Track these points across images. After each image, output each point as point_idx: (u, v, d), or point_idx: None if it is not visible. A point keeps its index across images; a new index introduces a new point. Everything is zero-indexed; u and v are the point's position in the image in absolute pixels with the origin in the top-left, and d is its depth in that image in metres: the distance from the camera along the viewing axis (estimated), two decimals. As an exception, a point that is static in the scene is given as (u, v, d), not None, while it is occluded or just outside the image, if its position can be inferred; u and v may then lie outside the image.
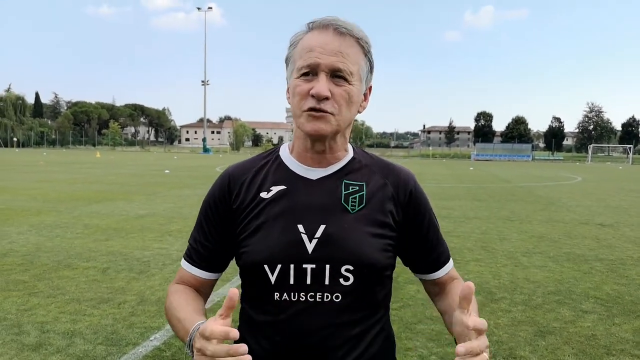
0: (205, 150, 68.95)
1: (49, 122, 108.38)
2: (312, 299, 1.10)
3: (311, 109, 1.08)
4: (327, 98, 1.07)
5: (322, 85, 1.06)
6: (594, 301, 4.84)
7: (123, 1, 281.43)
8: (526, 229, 8.96)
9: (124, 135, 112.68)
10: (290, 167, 1.19)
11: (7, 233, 7.52)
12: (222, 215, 1.19)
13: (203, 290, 1.25)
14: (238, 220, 1.17)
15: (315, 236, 1.11)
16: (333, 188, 1.16)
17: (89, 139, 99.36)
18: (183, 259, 1.26)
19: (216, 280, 1.27)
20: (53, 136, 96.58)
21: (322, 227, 1.12)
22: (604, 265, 6.29)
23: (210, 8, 73.69)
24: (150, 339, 3.73)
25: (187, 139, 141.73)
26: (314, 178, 1.17)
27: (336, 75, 1.08)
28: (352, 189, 1.17)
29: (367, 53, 1.13)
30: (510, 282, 5.42)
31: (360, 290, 1.12)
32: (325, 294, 1.10)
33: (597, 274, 5.88)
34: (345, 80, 1.09)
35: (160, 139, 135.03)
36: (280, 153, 1.23)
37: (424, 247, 1.24)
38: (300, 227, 1.12)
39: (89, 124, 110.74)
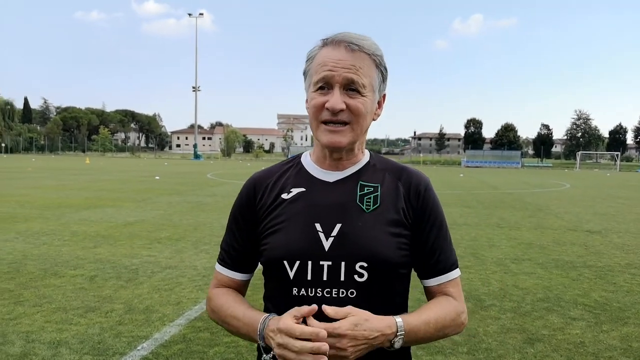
0: (196, 156, 68.70)
1: (38, 127, 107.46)
2: (329, 295, 1.16)
3: (327, 122, 1.17)
4: (341, 110, 1.15)
5: (336, 98, 1.15)
6: (582, 308, 4.87)
7: (113, 7, 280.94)
8: (515, 236, 9.01)
9: (114, 141, 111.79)
10: (310, 171, 1.28)
11: (-7, 240, 7.41)
12: (249, 217, 1.28)
13: (240, 290, 1.34)
14: (261, 219, 1.26)
15: (332, 234, 1.18)
16: (349, 189, 1.23)
17: (79, 145, 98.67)
18: (217, 263, 1.35)
19: (250, 279, 1.36)
20: (42, 142, 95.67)
21: (339, 225, 1.19)
22: (592, 272, 6.33)
23: (201, 14, 73.70)
24: (138, 348, 3.69)
25: (178, 145, 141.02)
26: (332, 180, 1.25)
27: (350, 88, 1.16)
28: (367, 190, 1.23)
29: (379, 65, 1.21)
30: (499, 289, 5.44)
31: (374, 286, 1.17)
32: (341, 290, 1.16)
33: (585, 280, 5.92)
34: (359, 92, 1.16)
35: (150, 145, 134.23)
36: (302, 159, 1.33)
37: (423, 250, 1.25)
38: (318, 226, 1.19)
39: (78, 130, 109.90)
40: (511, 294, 5.27)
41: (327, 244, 1.17)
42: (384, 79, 1.23)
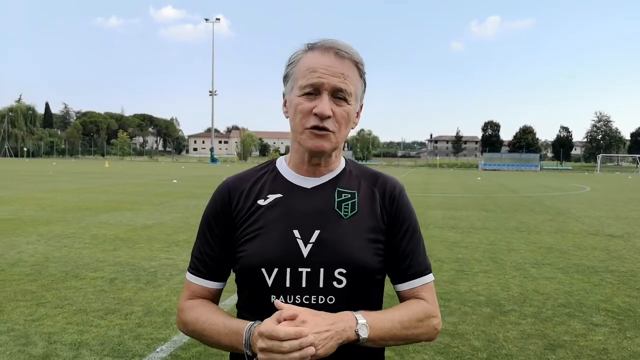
0: (213, 160, 69.30)
1: (59, 132, 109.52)
2: (307, 302, 1.16)
3: (314, 127, 1.16)
4: (329, 117, 1.15)
5: (325, 104, 1.14)
6: (604, 314, 4.77)
7: (131, 13, 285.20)
8: (535, 240, 8.88)
9: (132, 145, 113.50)
10: (287, 177, 1.26)
11: (16, 243, 7.56)
12: (224, 224, 1.25)
13: (214, 300, 1.30)
14: (237, 227, 1.23)
15: (310, 241, 1.17)
16: (327, 195, 1.23)
17: (98, 149, 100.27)
18: (189, 272, 1.30)
19: (223, 288, 1.32)
20: (62, 146, 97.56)
21: (317, 232, 1.18)
22: (614, 277, 6.21)
23: (217, 19, 74.57)
24: (157, 350, 3.72)
25: (195, 149, 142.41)
26: (309, 187, 1.24)
27: (337, 95, 1.16)
28: (345, 196, 1.24)
29: (362, 75, 1.22)
30: (519, 294, 5.36)
31: (353, 293, 1.17)
32: (320, 297, 1.16)
33: (607, 286, 5.81)
34: (345, 100, 1.17)
35: (168, 149, 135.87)
36: (277, 165, 1.31)
37: (396, 255, 1.25)
38: (296, 233, 1.18)
39: (98, 134, 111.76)
40: (531, 299, 5.19)
41: (305, 251, 1.16)
42: (364, 89, 1.25)
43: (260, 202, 1.23)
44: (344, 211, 1.21)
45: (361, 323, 1.11)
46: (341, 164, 1.30)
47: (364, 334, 1.10)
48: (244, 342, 1.10)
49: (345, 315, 1.11)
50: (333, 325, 1.07)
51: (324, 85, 1.14)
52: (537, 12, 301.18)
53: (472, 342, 3.99)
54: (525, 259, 7.24)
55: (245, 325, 1.12)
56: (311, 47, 1.19)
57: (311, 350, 1.01)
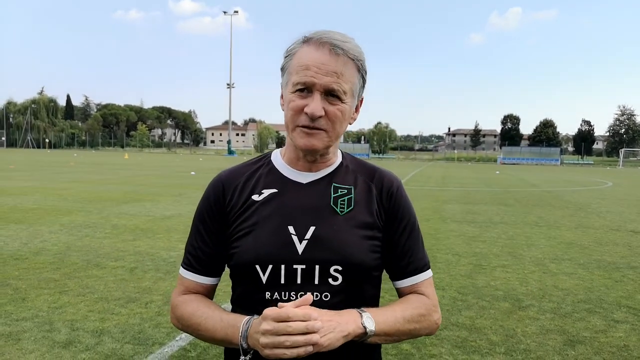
0: (230, 152, 69.65)
1: (80, 124, 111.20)
2: None
3: (305, 126, 1.13)
4: (320, 116, 1.11)
5: (316, 104, 1.11)
6: (626, 310, 4.69)
7: (151, 6, 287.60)
8: (555, 235, 8.76)
9: (151, 137, 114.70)
10: (282, 172, 1.24)
11: (39, 232, 7.73)
12: (218, 219, 1.23)
13: (209, 295, 1.29)
14: (231, 222, 1.21)
15: (305, 237, 1.16)
16: (323, 191, 1.21)
17: (118, 141, 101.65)
18: (182, 268, 1.28)
19: (217, 283, 1.31)
20: (83, 137, 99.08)
21: (312, 228, 1.16)
22: (636, 274, 6.10)
23: (236, 12, 74.48)
24: (177, 339, 3.78)
25: (212, 141, 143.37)
26: (305, 182, 1.22)
27: (330, 94, 1.12)
28: (341, 192, 1.21)
29: (360, 69, 1.16)
30: (538, 290, 5.31)
31: (349, 290, 1.16)
32: (315, 293, 1.14)
33: (629, 282, 5.71)
34: (339, 99, 1.13)
35: (186, 141, 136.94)
36: (272, 159, 1.28)
37: (395, 251, 1.23)
38: (291, 229, 1.16)
39: (117, 126, 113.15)
40: (550, 294, 5.13)
41: (300, 247, 1.15)
42: (363, 83, 1.20)
43: (255, 197, 1.21)
44: (340, 207, 1.19)
45: (366, 316, 1.10)
46: (338, 159, 1.27)
47: (370, 326, 1.09)
48: (240, 334, 1.09)
49: (348, 311, 1.11)
50: (336, 316, 1.07)
51: (315, 85, 1.10)
52: (560, 3, 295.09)
53: (490, 336, 3.96)
54: (545, 254, 7.15)
55: (242, 318, 1.11)
56: (307, 40, 1.14)
57: (316, 337, 0.99)
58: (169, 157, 56.80)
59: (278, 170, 1.24)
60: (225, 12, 75.35)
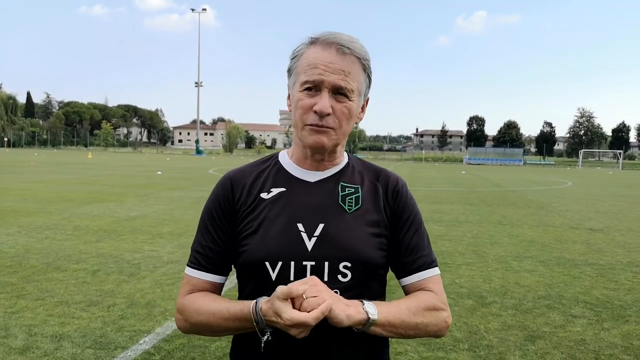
0: (198, 152, 68.74)
1: (41, 122, 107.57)
2: None
3: (313, 125, 1.16)
4: (328, 114, 1.14)
5: (325, 102, 1.14)
6: (583, 306, 4.87)
7: (116, 2, 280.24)
8: (517, 233, 9.01)
9: (116, 136, 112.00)
10: (290, 171, 1.26)
11: (-5, 234, 7.43)
12: (227, 217, 1.24)
13: (217, 294, 1.27)
14: (239, 220, 1.22)
15: (315, 234, 1.17)
16: (330, 189, 1.23)
17: (81, 140, 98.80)
18: (189, 267, 1.27)
19: (224, 284, 1.30)
20: (44, 136, 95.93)
21: (321, 225, 1.18)
22: (593, 270, 6.33)
23: (204, 9, 73.76)
24: (140, 342, 3.70)
25: (180, 141, 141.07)
26: (312, 181, 1.24)
27: (338, 92, 1.15)
28: (348, 190, 1.24)
29: (366, 69, 1.20)
30: (501, 287, 5.44)
31: (357, 286, 1.17)
32: None
33: (586, 278, 5.92)
34: (346, 97, 1.16)
35: (152, 140, 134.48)
36: (280, 158, 1.31)
37: (401, 249, 1.25)
38: (300, 226, 1.18)
39: (81, 125, 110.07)
40: (512, 291, 5.27)
41: (310, 244, 1.16)
42: (369, 83, 1.23)
43: (263, 195, 1.23)
44: (348, 205, 1.21)
45: (368, 304, 1.10)
46: (344, 159, 1.30)
47: (372, 311, 1.09)
48: (252, 311, 1.09)
49: (350, 300, 1.11)
50: (337, 296, 1.08)
51: (324, 83, 1.13)
52: (522, 9, 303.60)
53: (454, 333, 4.04)
54: (508, 252, 7.34)
55: (249, 303, 1.11)
56: (313, 41, 1.18)
57: (326, 294, 1.03)
58: (134, 156, 55.57)
59: (286, 170, 1.27)
60: (193, 10, 74.46)
